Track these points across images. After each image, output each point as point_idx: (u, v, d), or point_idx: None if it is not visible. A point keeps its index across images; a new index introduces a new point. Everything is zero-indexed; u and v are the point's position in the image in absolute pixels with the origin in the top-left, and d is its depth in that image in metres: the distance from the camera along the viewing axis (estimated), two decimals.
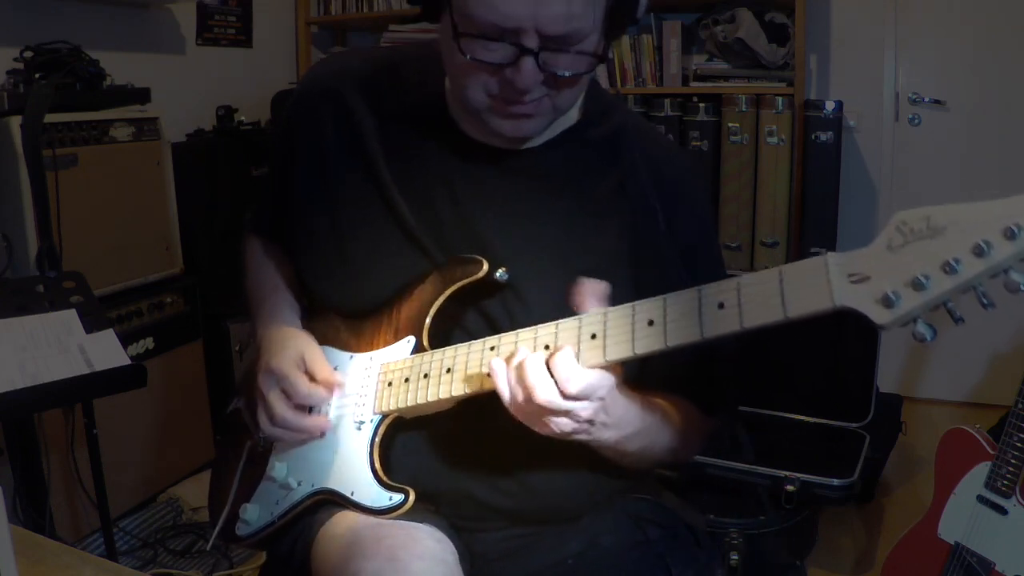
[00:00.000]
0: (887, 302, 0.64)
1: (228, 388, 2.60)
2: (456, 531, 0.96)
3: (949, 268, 0.62)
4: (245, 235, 1.23)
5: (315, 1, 3.64)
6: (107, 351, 1.50)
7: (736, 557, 1.94)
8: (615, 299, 0.90)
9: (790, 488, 2.01)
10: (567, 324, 0.82)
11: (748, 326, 0.70)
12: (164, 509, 2.38)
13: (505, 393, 0.81)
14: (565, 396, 0.77)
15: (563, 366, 0.78)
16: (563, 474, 0.98)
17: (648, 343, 0.76)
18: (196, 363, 2.55)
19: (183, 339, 2.48)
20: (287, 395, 0.97)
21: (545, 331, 0.83)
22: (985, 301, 0.62)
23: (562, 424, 0.80)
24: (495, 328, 0.95)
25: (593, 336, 0.79)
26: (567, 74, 0.85)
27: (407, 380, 0.93)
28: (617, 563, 0.96)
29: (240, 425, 1.13)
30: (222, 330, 2.65)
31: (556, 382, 0.77)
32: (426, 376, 0.91)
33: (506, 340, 0.86)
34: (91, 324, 1.53)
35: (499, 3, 0.80)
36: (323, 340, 1.05)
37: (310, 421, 0.98)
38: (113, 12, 2.71)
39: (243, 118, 2.85)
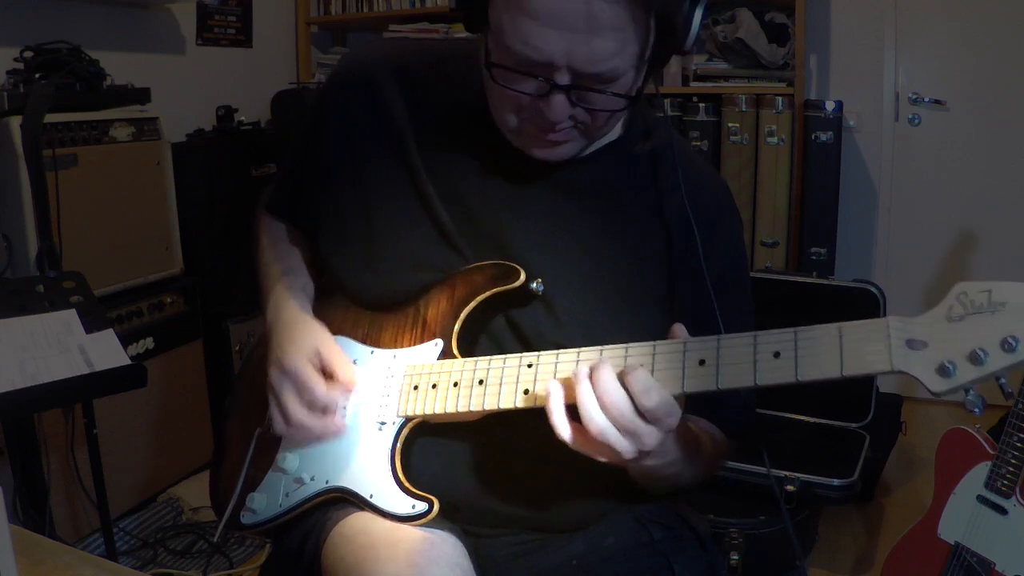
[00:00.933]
0: (944, 371, 0.66)
1: (228, 388, 2.59)
2: (465, 535, 0.95)
3: (1008, 346, 0.64)
4: (259, 213, 1.19)
5: (315, 1, 3.63)
6: (107, 351, 1.50)
7: (736, 557, 1.95)
8: (643, 320, 0.88)
9: (790, 488, 2.01)
10: (612, 351, 0.80)
11: (804, 379, 0.71)
12: (164, 509, 2.38)
13: (559, 414, 0.77)
14: (641, 411, 0.74)
15: (642, 379, 0.74)
16: (580, 487, 0.97)
17: (698, 383, 0.75)
18: (196, 363, 2.55)
19: (183, 339, 2.48)
20: (301, 396, 0.94)
21: (588, 355, 0.82)
22: None
23: (625, 448, 0.76)
24: (522, 338, 0.93)
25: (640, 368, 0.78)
26: (596, 111, 0.84)
27: (435, 386, 0.90)
28: (622, 564, 0.96)
29: (240, 416, 1.11)
30: (222, 330, 2.65)
31: (632, 395, 0.74)
32: (456, 384, 0.89)
33: (545, 359, 0.84)
34: (91, 324, 1.53)
35: (533, 39, 0.78)
36: (339, 329, 1.01)
37: (327, 423, 0.94)
38: (113, 12, 2.71)
39: (243, 118, 2.86)
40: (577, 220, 0.95)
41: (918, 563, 1.75)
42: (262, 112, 3.12)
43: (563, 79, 0.80)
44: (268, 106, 3.15)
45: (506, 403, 0.84)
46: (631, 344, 0.80)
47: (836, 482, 2.03)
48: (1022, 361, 0.64)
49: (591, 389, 0.75)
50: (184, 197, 2.48)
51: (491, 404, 0.85)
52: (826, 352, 0.70)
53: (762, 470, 2.06)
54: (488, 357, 0.88)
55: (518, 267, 0.91)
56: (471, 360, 0.89)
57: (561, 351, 0.84)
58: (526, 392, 0.84)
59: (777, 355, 0.72)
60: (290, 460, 0.98)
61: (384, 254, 0.98)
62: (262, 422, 1.04)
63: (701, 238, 0.94)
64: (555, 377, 0.82)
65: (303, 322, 1.00)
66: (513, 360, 0.86)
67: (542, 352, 0.85)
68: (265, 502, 1.00)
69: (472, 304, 0.92)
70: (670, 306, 0.94)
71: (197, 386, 2.56)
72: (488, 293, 0.92)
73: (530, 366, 0.85)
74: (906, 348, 0.67)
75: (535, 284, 0.91)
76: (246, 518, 1.02)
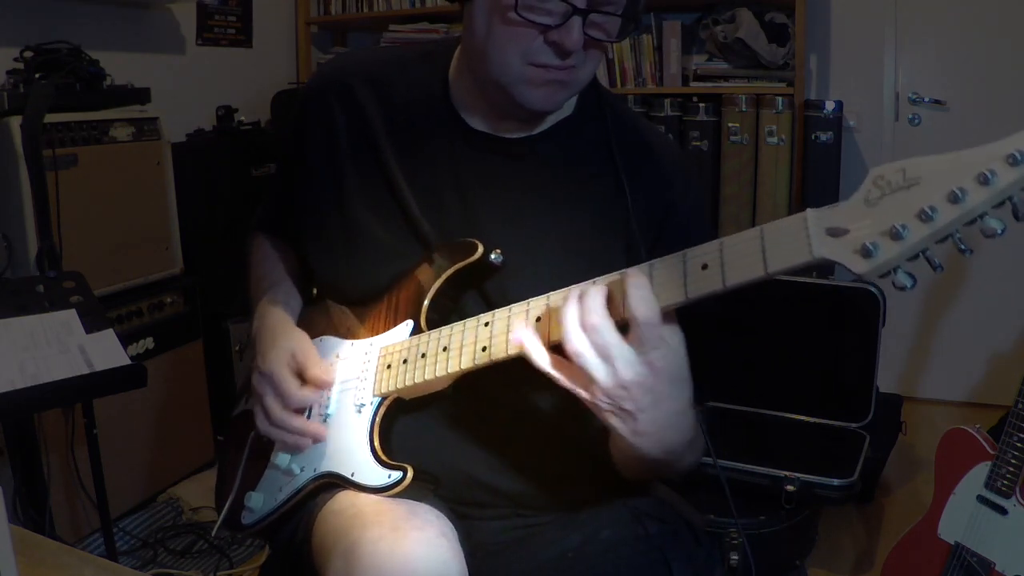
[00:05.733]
0: (866, 252, 0.64)
1: (228, 388, 2.61)
2: (457, 518, 0.97)
3: (925, 216, 0.62)
4: (252, 233, 1.25)
5: (315, 1, 3.64)
6: (107, 351, 1.50)
7: (736, 557, 1.94)
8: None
9: (790, 488, 2.01)
10: (558, 295, 0.83)
11: (730, 284, 0.71)
12: (164, 509, 2.38)
13: (531, 341, 0.79)
14: (629, 322, 0.73)
15: (641, 285, 0.73)
16: (562, 458, 1.00)
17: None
18: (196, 363, 2.55)
19: (183, 339, 2.48)
20: (278, 397, 0.99)
21: (536, 303, 0.85)
22: (963, 247, 0.63)
23: (602, 374, 0.74)
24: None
25: (538, 320, 0.82)
26: (601, 38, 0.89)
27: (405, 361, 0.95)
28: (617, 558, 0.96)
29: (245, 423, 1.13)
30: (222, 330, 2.65)
31: (627, 305, 0.73)
32: (423, 356, 0.93)
33: (499, 315, 0.88)
34: (91, 324, 1.53)
35: None
36: (325, 330, 1.07)
37: (305, 424, 0.99)
38: (113, 12, 2.71)
39: (243, 118, 2.86)
40: (543, 193, 1.00)
41: (918, 563, 1.75)
42: (262, 112, 3.12)
43: (581, 2, 0.86)
44: (268, 106, 3.15)
45: (467, 363, 0.88)
46: (574, 285, 0.81)
47: (836, 482, 2.02)
48: (941, 229, 0.62)
49: (576, 309, 0.76)
50: (184, 197, 2.48)
51: (454, 367, 0.89)
52: (749, 255, 0.70)
53: (762, 470, 2.06)
54: (450, 325, 0.92)
55: (476, 242, 0.95)
56: (435, 331, 0.94)
57: (513, 304, 0.87)
58: (484, 349, 0.87)
59: (705, 267, 0.72)
60: (282, 456, 1.01)
61: (361, 249, 1.03)
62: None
63: (661, 201, 0.99)
64: (507, 331, 0.85)
65: (282, 328, 1.06)
66: (472, 322, 0.90)
67: (496, 310, 0.89)
68: (262, 500, 1.03)
69: (437, 283, 0.96)
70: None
71: (197, 386, 2.56)
72: (451, 270, 0.96)
73: (487, 324, 0.89)
74: (826, 236, 0.66)
75: (493, 256, 0.95)
76: (246, 518, 1.05)
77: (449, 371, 0.90)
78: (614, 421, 0.79)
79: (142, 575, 1.10)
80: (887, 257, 0.64)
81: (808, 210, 0.68)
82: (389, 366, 0.96)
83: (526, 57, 0.90)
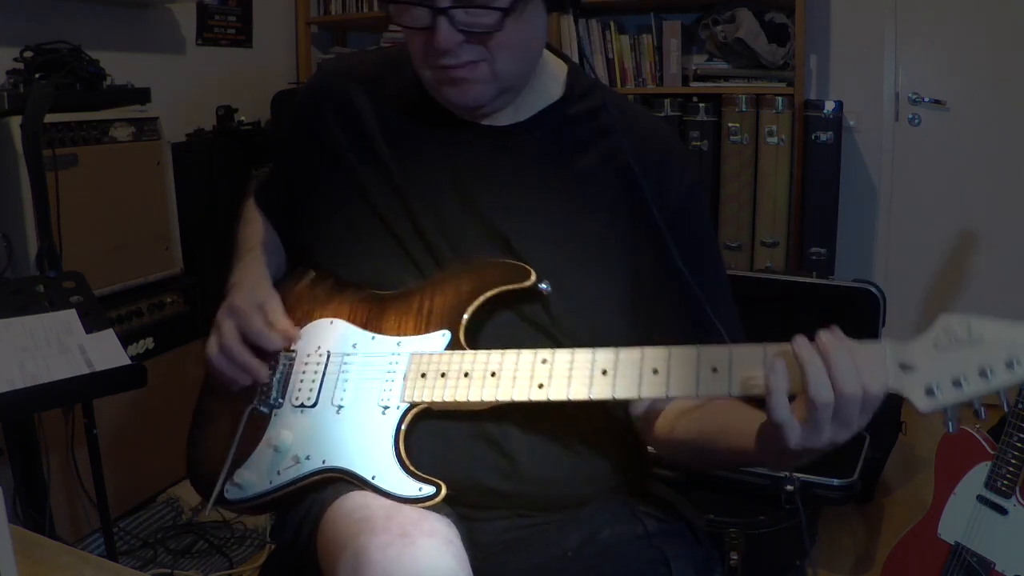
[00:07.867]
0: (930, 392, 0.75)
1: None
2: (459, 518, 0.97)
3: (984, 374, 0.74)
4: (247, 196, 1.28)
5: (315, 1, 3.64)
6: (107, 351, 1.50)
7: (736, 557, 1.94)
8: (614, 274, 0.93)
9: (790, 488, 2.01)
10: (629, 353, 0.86)
11: None
12: (164, 509, 2.38)
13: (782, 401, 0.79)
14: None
15: (878, 359, 0.77)
16: (566, 461, 1.00)
17: (711, 388, 0.81)
18: (196, 363, 2.55)
19: (183, 339, 2.48)
20: (240, 330, 1.02)
21: (604, 356, 0.87)
22: (1007, 406, 0.78)
23: (826, 436, 0.83)
24: (518, 319, 0.98)
25: (655, 371, 0.84)
26: (478, 30, 0.88)
27: (444, 375, 0.93)
28: (617, 557, 0.97)
29: (223, 392, 1.11)
30: None
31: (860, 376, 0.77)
32: (467, 375, 0.92)
33: (560, 357, 0.89)
34: (91, 324, 1.53)
35: None
36: (336, 313, 1.05)
37: (251, 360, 1.01)
38: (113, 12, 2.71)
39: (243, 118, 2.86)
40: (534, 183, 1.01)
41: (918, 563, 1.75)
42: (262, 112, 3.12)
43: (443, 2, 0.86)
44: (268, 106, 3.15)
45: (520, 395, 0.89)
46: (648, 347, 0.85)
47: (836, 482, 2.02)
48: (994, 388, 0.74)
49: (822, 364, 0.77)
50: (184, 197, 2.48)
51: (505, 396, 0.90)
52: None
53: (762, 470, 2.06)
54: (501, 351, 0.92)
55: (528, 268, 0.95)
56: (483, 352, 0.93)
57: (577, 350, 0.88)
58: (540, 386, 0.88)
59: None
60: (284, 436, 0.99)
61: (365, 244, 1.04)
62: (250, 399, 1.05)
63: (652, 184, 0.99)
64: (570, 375, 0.87)
65: (260, 282, 1.09)
66: (528, 355, 0.90)
67: (557, 350, 0.89)
68: (253, 478, 1.00)
69: (480, 299, 0.96)
70: (637, 257, 0.99)
71: (197, 386, 2.53)
72: (497, 290, 0.95)
73: (544, 362, 0.89)
74: (899, 370, 0.76)
75: (543, 285, 0.95)
76: (231, 493, 1.02)
77: (499, 398, 0.90)
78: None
79: (142, 575, 1.10)
80: (946, 401, 0.75)
81: (886, 342, 0.77)
82: (424, 375, 0.94)
83: (427, 61, 0.93)
